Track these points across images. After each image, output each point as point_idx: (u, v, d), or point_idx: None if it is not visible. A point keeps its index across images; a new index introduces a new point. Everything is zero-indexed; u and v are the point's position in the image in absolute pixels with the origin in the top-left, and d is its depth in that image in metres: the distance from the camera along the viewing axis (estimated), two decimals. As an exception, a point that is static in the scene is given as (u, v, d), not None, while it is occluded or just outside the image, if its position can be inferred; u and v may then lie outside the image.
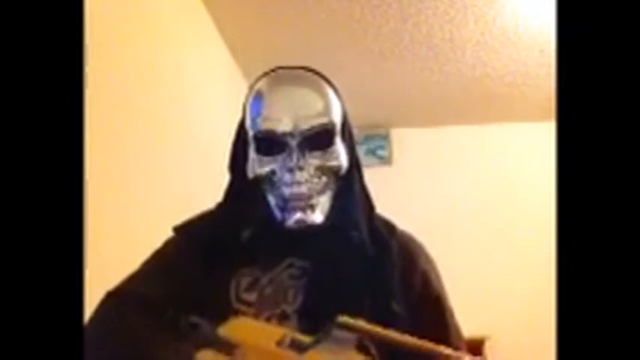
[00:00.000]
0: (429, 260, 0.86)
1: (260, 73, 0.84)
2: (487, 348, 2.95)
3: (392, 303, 0.75)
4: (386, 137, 3.57)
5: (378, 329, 0.47)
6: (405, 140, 3.56)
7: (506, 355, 2.86)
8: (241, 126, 0.83)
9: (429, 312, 0.79)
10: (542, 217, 2.93)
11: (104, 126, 1.30)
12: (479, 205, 3.45)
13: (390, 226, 0.85)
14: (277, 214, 0.78)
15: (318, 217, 0.77)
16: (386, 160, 3.55)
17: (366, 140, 3.50)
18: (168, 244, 0.84)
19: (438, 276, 0.85)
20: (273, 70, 0.83)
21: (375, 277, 0.76)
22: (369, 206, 0.85)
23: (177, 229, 0.84)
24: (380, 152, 3.56)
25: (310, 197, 0.77)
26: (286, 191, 0.76)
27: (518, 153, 3.55)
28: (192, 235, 0.82)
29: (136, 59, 1.58)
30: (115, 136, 1.37)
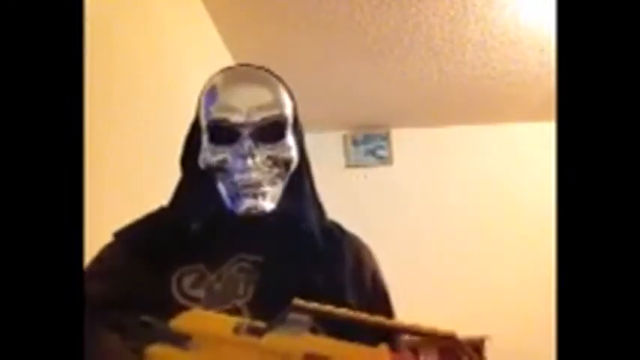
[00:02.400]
0: (374, 260, 0.88)
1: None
2: (487, 348, 2.95)
3: (347, 297, 0.75)
4: (386, 137, 3.56)
5: (334, 309, 0.47)
6: (405, 140, 3.56)
7: (506, 355, 2.86)
8: (195, 121, 0.85)
9: (379, 310, 0.79)
10: (542, 216, 2.93)
11: (103, 126, 1.30)
12: (479, 205, 3.45)
13: (340, 227, 0.87)
14: (228, 203, 0.79)
15: (268, 205, 0.79)
16: (386, 160, 3.54)
17: (366, 140, 3.49)
18: (103, 249, 0.82)
19: (382, 276, 0.87)
20: (229, 68, 0.87)
21: (328, 272, 0.77)
22: (320, 207, 0.87)
23: (116, 234, 0.82)
24: (380, 152, 3.55)
25: (261, 184, 0.78)
26: (237, 178, 0.78)
27: (518, 153, 3.55)
28: (129, 237, 0.81)
29: (135, 59, 1.58)
30: (113, 136, 1.37)
